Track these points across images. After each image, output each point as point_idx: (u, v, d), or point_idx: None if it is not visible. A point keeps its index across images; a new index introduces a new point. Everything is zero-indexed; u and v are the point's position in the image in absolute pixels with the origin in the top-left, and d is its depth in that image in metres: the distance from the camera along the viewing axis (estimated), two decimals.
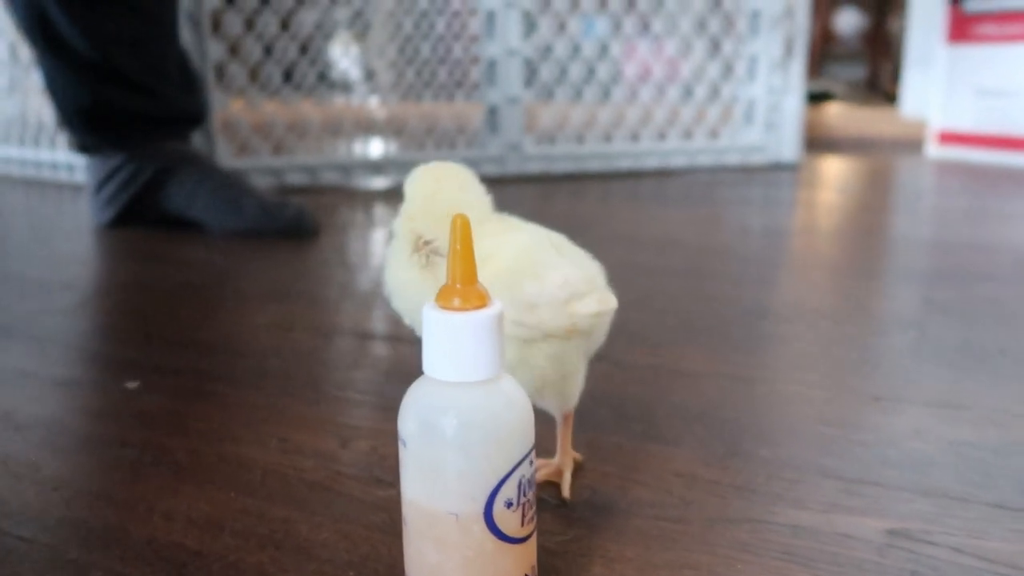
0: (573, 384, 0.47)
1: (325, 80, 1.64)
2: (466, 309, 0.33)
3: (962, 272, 0.92)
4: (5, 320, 0.79)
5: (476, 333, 0.33)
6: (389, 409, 0.58)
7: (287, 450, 0.53)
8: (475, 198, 0.48)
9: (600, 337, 0.48)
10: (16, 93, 1.68)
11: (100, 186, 1.23)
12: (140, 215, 1.22)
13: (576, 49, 1.68)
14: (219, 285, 0.91)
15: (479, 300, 0.33)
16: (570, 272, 0.44)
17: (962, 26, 1.87)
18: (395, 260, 0.48)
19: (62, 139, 1.60)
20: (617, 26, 1.70)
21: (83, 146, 1.23)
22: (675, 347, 0.70)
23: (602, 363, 0.64)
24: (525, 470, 0.34)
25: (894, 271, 0.94)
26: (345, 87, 1.63)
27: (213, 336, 0.75)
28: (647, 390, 0.61)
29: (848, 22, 4.43)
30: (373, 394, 0.61)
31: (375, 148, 1.65)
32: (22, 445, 0.54)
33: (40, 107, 1.65)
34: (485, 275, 0.44)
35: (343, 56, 1.65)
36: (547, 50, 1.66)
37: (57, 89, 1.20)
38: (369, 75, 1.62)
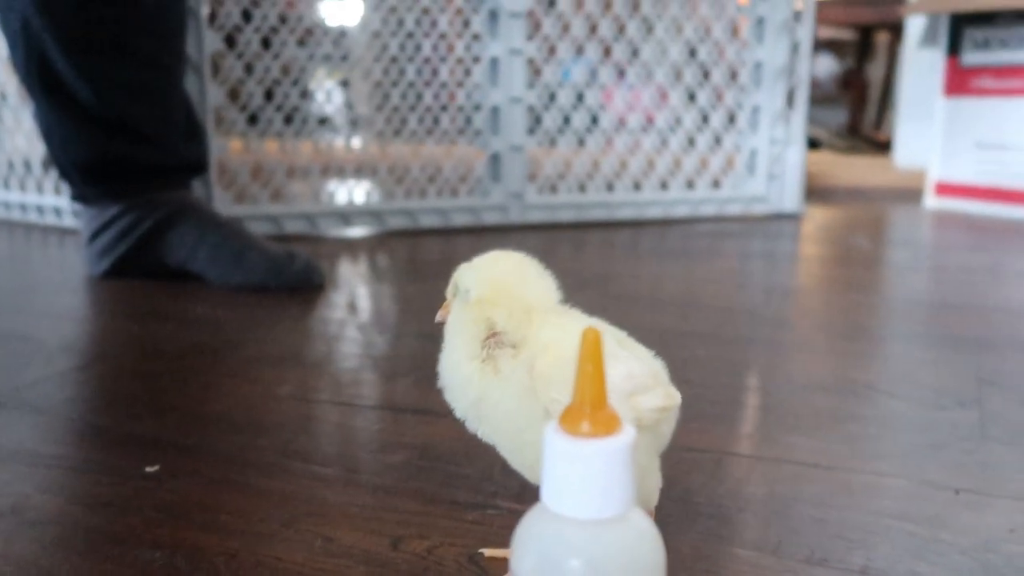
0: (649, 483, 0.45)
1: (324, 122, 1.60)
2: (597, 435, 0.29)
3: (1004, 339, 0.90)
4: (3, 390, 0.74)
5: (608, 464, 0.29)
6: (436, 501, 0.54)
7: (333, 552, 0.48)
8: (547, 289, 0.46)
9: (668, 433, 0.46)
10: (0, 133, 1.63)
11: (95, 235, 1.17)
12: (137, 267, 1.17)
13: (580, 97, 1.66)
14: (230, 348, 0.87)
15: (611, 425, 0.29)
16: (634, 365, 0.43)
17: (960, 79, 1.88)
18: (457, 351, 0.45)
19: (48, 182, 1.55)
20: (621, 75, 1.69)
21: (81, 196, 1.18)
22: (727, 426, 0.66)
23: None
24: None
25: (931, 337, 0.92)
26: (333, 129, 1.60)
27: (231, 408, 0.70)
28: (708, 479, 0.57)
29: (824, 67, 4.48)
30: (414, 480, 0.56)
31: (375, 195, 1.61)
32: (34, 546, 0.49)
33: (27, 148, 1.59)
34: (544, 364, 0.42)
35: (328, 100, 1.61)
36: (551, 98, 1.63)
37: (56, 140, 1.15)
38: (355, 121, 1.59)
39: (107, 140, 1.14)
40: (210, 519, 0.52)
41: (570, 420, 0.29)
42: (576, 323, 0.44)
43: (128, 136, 1.15)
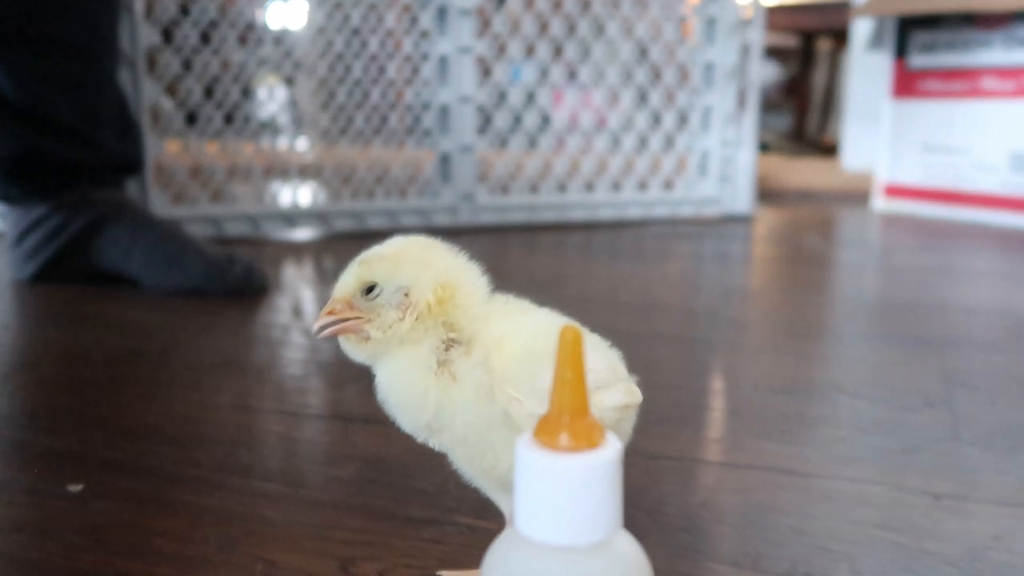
0: None
1: (266, 125, 1.54)
2: (577, 449, 0.25)
3: (964, 338, 0.88)
4: None
5: (590, 482, 0.25)
6: (390, 518, 0.49)
7: None
8: (480, 276, 0.41)
9: (627, 432, 0.40)
10: None
11: (21, 237, 1.11)
12: (67, 270, 1.10)
13: (531, 97, 1.63)
14: (165, 354, 0.81)
15: (593, 438, 0.26)
16: (593, 360, 0.37)
17: (907, 82, 1.89)
18: (410, 368, 0.39)
19: None
20: (572, 75, 1.66)
21: (5, 196, 1.11)
22: (694, 431, 0.63)
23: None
24: None
25: (892, 337, 0.90)
26: (274, 129, 1.54)
27: (166, 421, 0.65)
28: (680, 488, 0.54)
29: (769, 73, 4.53)
30: (364, 495, 0.52)
31: (320, 196, 1.56)
32: None
33: None
34: (500, 361, 0.37)
35: (270, 99, 1.55)
36: (501, 97, 1.60)
37: None
38: (299, 120, 1.53)
39: (31, 135, 1.08)
40: (139, 542, 0.47)
41: (547, 432, 0.26)
42: (529, 315, 0.40)
43: (55, 132, 1.09)
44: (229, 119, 1.47)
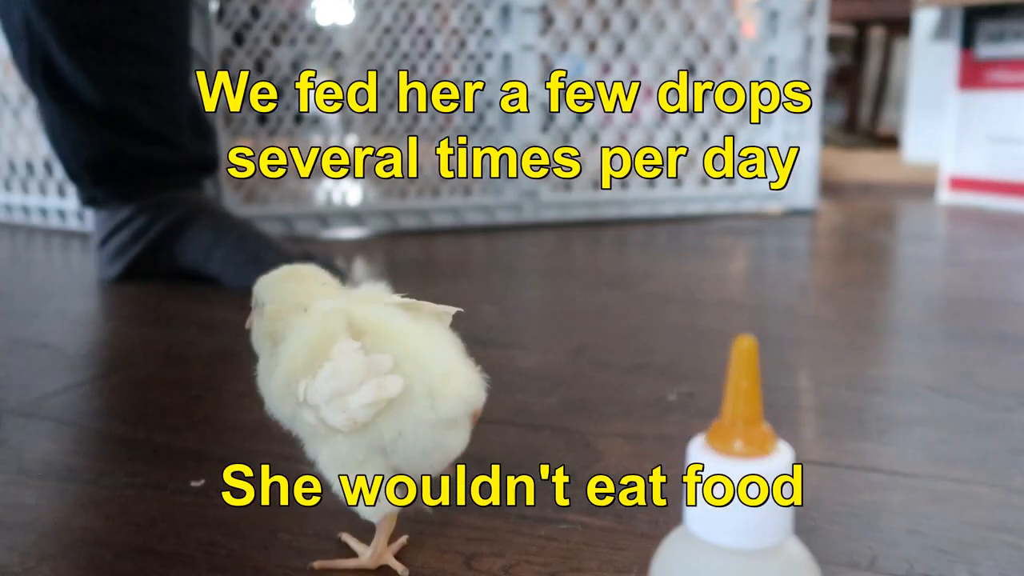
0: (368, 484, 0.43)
1: (308, 120, 1.55)
2: (751, 455, 0.26)
3: None
4: (27, 400, 0.70)
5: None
6: (503, 516, 0.51)
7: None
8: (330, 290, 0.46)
9: (412, 432, 0.41)
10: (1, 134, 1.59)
11: (107, 238, 1.14)
12: (151, 269, 1.13)
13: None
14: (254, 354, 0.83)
15: (766, 445, 0.26)
16: (343, 363, 0.41)
17: (974, 72, 1.86)
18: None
19: (51, 184, 1.51)
20: (633, 71, 1.66)
21: (91, 199, 1.14)
22: (792, 431, 0.64)
23: None
24: None
25: (976, 334, 0.89)
26: (324, 129, 1.56)
27: (271, 420, 0.67)
28: None
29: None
30: (477, 492, 0.54)
31: (387, 194, 1.58)
32: (81, 571, 0.45)
33: (28, 150, 1.56)
34: (286, 347, 0.43)
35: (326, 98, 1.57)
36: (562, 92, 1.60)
37: (63, 141, 1.12)
38: (349, 120, 1.55)
39: (115, 139, 1.11)
40: (268, 537, 0.49)
41: (720, 438, 0.27)
42: (309, 319, 0.43)
43: (136, 134, 1.12)
44: (298, 119, 1.50)
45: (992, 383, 0.73)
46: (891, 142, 3.41)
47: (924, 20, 2.74)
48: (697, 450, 0.27)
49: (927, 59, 2.73)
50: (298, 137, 1.50)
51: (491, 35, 1.56)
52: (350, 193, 1.58)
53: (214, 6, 1.38)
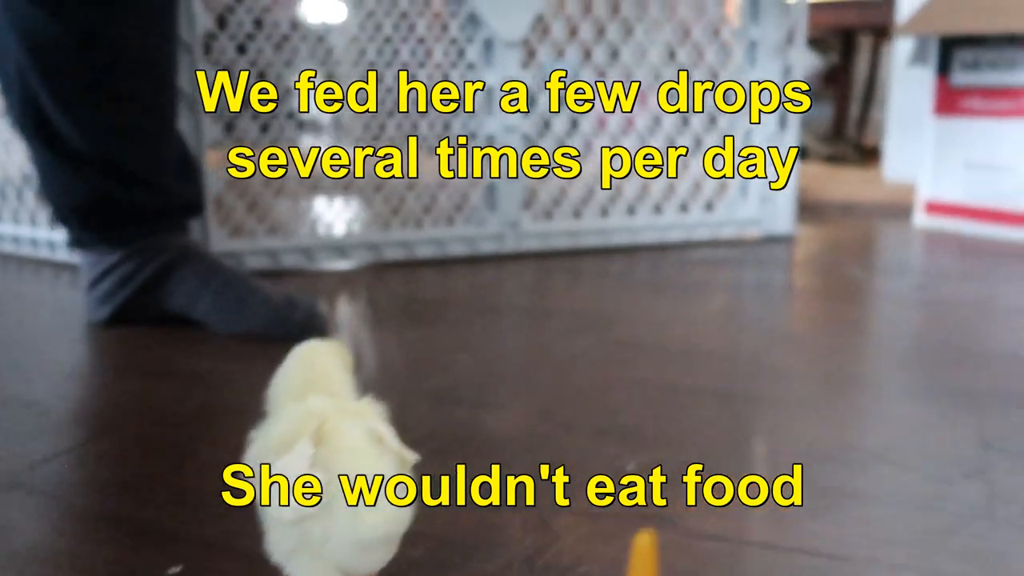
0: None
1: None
2: None
3: (1005, 392, 0.91)
4: (16, 470, 0.74)
5: None
6: None
7: None
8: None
9: (336, 542, 0.46)
10: None
11: (96, 282, 1.17)
12: (138, 313, 1.17)
13: (575, 123, 1.66)
14: (241, 412, 0.87)
15: None
16: (290, 461, 0.46)
17: (950, 99, 1.89)
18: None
19: (42, 214, 1.54)
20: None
21: (79, 241, 1.18)
22: (738, 507, 0.67)
23: (667, 530, 0.61)
24: None
25: (933, 390, 0.93)
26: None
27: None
28: (725, 573, 0.58)
29: (808, 63, 4.49)
30: (437, 573, 0.57)
31: (370, 225, 1.61)
32: None
33: (19, 179, 1.58)
34: (253, 448, 0.50)
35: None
36: (545, 125, 1.64)
37: (53, 185, 1.15)
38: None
39: (103, 184, 1.14)
40: None
41: None
42: (321, 403, 0.49)
43: (124, 180, 1.15)
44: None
45: (938, 450, 0.77)
46: (875, 154, 3.44)
47: (904, 44, 2.78)
48: None
49: (906, 81, 2.77)
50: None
51: (474, 68, 1.59)
52: (336, 224, 1.61)
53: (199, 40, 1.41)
